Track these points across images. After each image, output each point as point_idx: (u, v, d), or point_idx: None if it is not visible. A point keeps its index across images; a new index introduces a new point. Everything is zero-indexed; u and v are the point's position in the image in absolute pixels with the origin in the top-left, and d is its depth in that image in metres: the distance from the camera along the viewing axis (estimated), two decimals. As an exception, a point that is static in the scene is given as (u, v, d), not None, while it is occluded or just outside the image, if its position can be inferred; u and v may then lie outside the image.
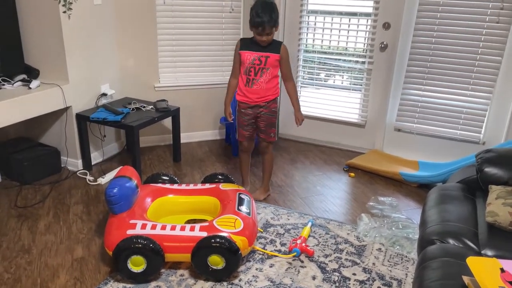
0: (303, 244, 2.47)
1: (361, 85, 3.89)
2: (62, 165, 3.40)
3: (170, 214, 2.68)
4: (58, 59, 3.12)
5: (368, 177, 3.47)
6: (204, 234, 2.22)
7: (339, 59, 3.93)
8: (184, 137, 3.93)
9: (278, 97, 2.89)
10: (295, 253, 2.42)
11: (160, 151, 3.88)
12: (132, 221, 2.29)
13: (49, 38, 3.09)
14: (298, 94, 4.10)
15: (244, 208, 2.45)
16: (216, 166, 3.59)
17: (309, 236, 2.61)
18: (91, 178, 3.26)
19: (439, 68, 3.50)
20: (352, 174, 3.50)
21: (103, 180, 3.21)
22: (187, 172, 3.46)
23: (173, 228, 2.26)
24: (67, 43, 3.08)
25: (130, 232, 2.22)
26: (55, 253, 2.41)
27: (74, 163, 3.39)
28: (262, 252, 2.46)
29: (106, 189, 2.31)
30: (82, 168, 3.39)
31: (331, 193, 3.19)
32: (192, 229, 2.25)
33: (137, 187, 2.52)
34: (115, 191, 2.31)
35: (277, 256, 2.43)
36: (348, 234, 2.66)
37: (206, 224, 2.29)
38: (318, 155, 3.88)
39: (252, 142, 2.99)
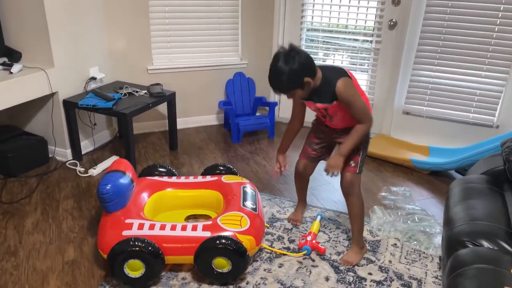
0: (314, 241, 2.29)
1: (368, 66, 3.66)
2: (50, 155, 3.17)
3: (168, 210, 2.49)
4: (41, 41, 2.85)
5: (376, 164, 3.29)
6: (208, 234, 2.02)
7: (344, 38, 3.69)
8: (181, 123, 3.70)
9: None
10: (305, 251, 2.25)
11: (155, 138, 3.65)
12: (128, 221, 2.08)
13: (30, 17, 2.81)
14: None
15: (249, 204, 2.25)
16: (216, 155, 3.38)
17: (319, 231, 2.43)
18: (82, 169, 3.03)
19: (452, 47, 3.28)
20: (360, 161, 3.30)
21: (95, 171, 2.99)
22: (184, 162, 3.25)
23: (173, 227, 2.06)
24: (50, 22, 2.80)
25: (126, 233, 2.02)
26: (44, 255, 2.21)
27: (62, 153, 3.15)
28: (270, 250, 2.28)
29: (98, 186, 2.10)
30: (71, 158, 3.16)
31: (339, 183, 2.99)
32: (194, 228, 2.05)
33: (132, 181, 2.30)
34: (108, 187, 2.09)
35: (286, 254, 2.25)
36: (360, 228, 2.49)
37: (209, 222, 2.09)
38: (323, 140, 3.68)
39: (312, 166, 2.37)
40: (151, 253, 1.95)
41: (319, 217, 2.53)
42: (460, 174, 3.12)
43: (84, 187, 2.85)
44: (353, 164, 2.11)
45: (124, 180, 2.21)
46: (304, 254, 2.25)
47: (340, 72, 1.99)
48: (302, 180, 2.49)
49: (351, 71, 2.07)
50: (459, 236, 1.73)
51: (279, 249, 2.29)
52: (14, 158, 2.92)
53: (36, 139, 3.07)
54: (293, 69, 1.84)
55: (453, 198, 2.03)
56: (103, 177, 2.17)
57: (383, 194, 2.78)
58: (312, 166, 2.40)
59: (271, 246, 2.31)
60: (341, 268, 2.17)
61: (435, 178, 3.09)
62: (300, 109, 2.23)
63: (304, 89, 1.92)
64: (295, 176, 2.48)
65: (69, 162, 3.12)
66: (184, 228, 2.06)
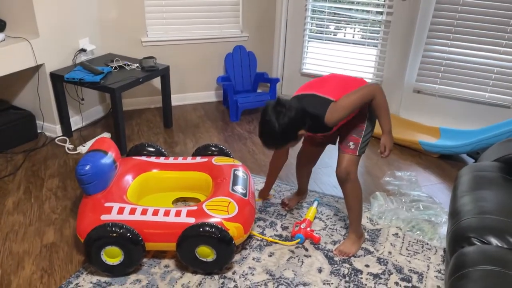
0: (308, 229, 2.13)
1: (377, 40, 3.41)
2: (39, 131, 3.04)
3: (155, 192, 2.34)
4: (24, 8, 2.67)
5: (382, 146, 3.08)
6: (192, 220, 1.87)
7: (353, 9, 3.43)
8: (177, 99, 3.53)
9: (367, 114, 1.95)
10: (298, 240, 2.09)
11: (149, 114, 3.48)
12: (107, 204, 1.94)
13: (13, -17, 2.63)
14: (305, 48, 3.66)
15: (239, 188, 2.09)
16: (211, 133, 3.21)
17: (314, 218, 2.27)
18: (71, 146, 2.90)
19: (469, 20, 3.01)
20: (365, 142, 3.10)
21: (84, 148, 2.85)
22: (179, 140, 3.09)
23: (155, 212, 1.91)
24: (34, -12, 2.62)
25: (104, 217, 1.88)
26: (22, 237, 2.09)
27: (52, 128, 3.02)
28: (260, 238, 2.13)
29: (77, 166, 1.96)
30: (61, 135, 3.02)
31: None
32: (177, 214, 1.91)
33: (115, 162, 2.16)
34: (86, 168, 1.95)
35: (277, 243, 2.10)
36: (359, 215, 2.31)
37: (194, 208, 1.94)
38: (326, 119, 3.47)
39: (317, 152, 2.24)
40: (130, 240, 1.82)
41: (316, 203, 2.36)
42: (472, 158, 2.91)
43: (71, 165, 2.72)
44: (352, 146, 1.93)
45: (105, 161, 2.07)
46: (297, 243, 2.09)
47: (321, 104, 1.82)
48: (304, 170, 2.32)
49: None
50: (465, 231, 1.55)
51: (270, 236, 2.14)
52: (0, 133, 2.79)
53: (23, 114, 2.93)
54: (285, 127, 1.73)
55: (461, 187, 1.84)
56: (82, 157, 2.02)
57: (386, 179, 2.60)
58: (317, 152, 2.23)
59: (262, 233, 2.16)
60: (336, 259, 2.01)
61: (445, 162, 2.89)
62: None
63: (298, 139, 1.85)
64: (297, 165, 2.31)
65: (58, 138, 2.99)
66: (167, 213, 1.91)
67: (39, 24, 2.70)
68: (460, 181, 1.89)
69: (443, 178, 2.72)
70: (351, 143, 1.93)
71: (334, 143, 2.11)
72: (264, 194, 2.38)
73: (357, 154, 1.93)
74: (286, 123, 1.73)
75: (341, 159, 1.95)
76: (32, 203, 2.34)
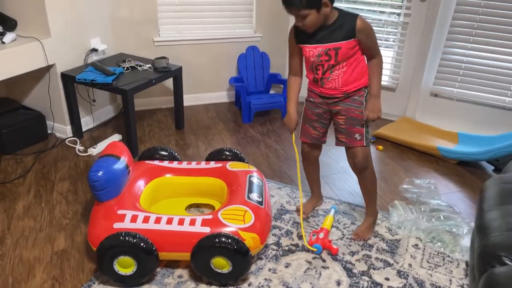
0: (326, 239, 2.07)
1: (394, 41, 3.32)
2: (49, 131, 2.99)
3: (168, 197, 2.29)
4: (36, 8, 2.61)
5: (399, 151, 3.01)
6: (207, 230, 1.82)
7: (369, 10, 3.34)
8: (189, 99, 3.47)
9: (366, 88, 1.94)
10: (315, 250, 2.03)
11: (161, 115, 3.43)
12: (120, 212, 1.89)
13: (24, -19, 2.58)
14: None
15: (255, 196, 2.03)
16: (224, 135, 3.15)
17: (332, 227, 2.21)
18: (81, 148, 2.85)
19: (490, 22, 2.92)
20: (380, 147, 3.03)
21: (95, 150, 2.80)
22: (190, 143, 3.03)
23: (169, 221, 1.85)
24: (45, -13, 2.57)
25: (117, 225, 1.83)
26: (32, 243, 2.05)
27: (62, 129, 2.97)
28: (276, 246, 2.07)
29: (89, 173, 1.90)
30: (71, 135, 2.98)
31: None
32: (192, 223, 1.85)
33: (128, 167, 2.10)
34: (99, 174, 1.89)
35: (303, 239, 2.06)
36: (377, 224, 2.24)
37: (209, 217, 1.88)
38: (341, 122, 3.40)
39: (318, 147, 2.16)
40: (144, 250, 1.76)
41: (332, 210, 2.30)
42: (492, 165, 2.82)
43: (82, 167, 2.67)
44: (358, 137, 1.95)
45: (118, 166, 2.01)
46: (315, 253, 2.03)
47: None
48: (311, 165, 2.23)
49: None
50: (495, 249, 1.48)
51: (286, 246, 2.08)
52: (10, 134, 2.75)
53: (33, 114, 2.89)
54: None
55: (488, 200, 1.77)
56: (94, 163, 1.97)
57: (405, 186, 2.53)
58: (318, 147, 2.17)
59: (278, 242, 2.10)
60: (355, 271, 1.95)
61: (464, 169, 2.81)
62: (298, 61, 1.97)
63: (320, 13, 1.72)
64: (303, 162, 2.24)
65: (68, 139, 2.94)
66: (181, 222, 1.86)
67: (51, 24, 2.65)
68: (486, 193, 1.82)
69: (462, 185, 2.64)
70: (357, 135, 1.95)
71: (325, 136, 2.10)
72: (294, 103, 2.04)
73: (364, 145, 1.96)
74: None
75: (355, 152, 1.98)
76: (42, 208, 2.30)
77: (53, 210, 2.28)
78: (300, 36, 1.87)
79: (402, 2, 3.19)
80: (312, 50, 1.85)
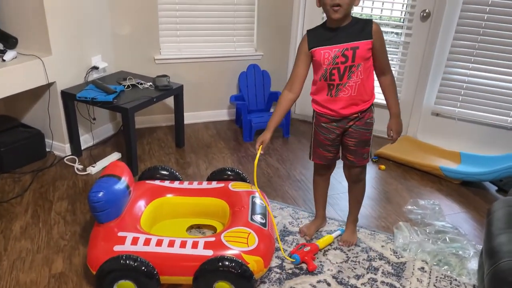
0: (310, 253, 2.06)
1: (396, 61, 3.33)
2: (47, 150, 2.95)
3: (169, 218, 2.24)
4: (37, 26, 2.60)
5: (401, 170, 2.99)
6: (210, 253, 1.77)
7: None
8: (189, 117, 3.45)
9: (373, 105, 1.97)
10: (293, 260, 2.03)
11: (161, 133, 3.40)
12: (121, 234, 1.84)
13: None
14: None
15: (258, 218, 1.99)
16: (225, 154, 3.11)
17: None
18: (80, 167, 2.81)
19: (491, 42, 2.94)
20: (383, 166, 3.01)
21: (94, 169, 2.76)
22: (191, 161, 2.99)
23: (171, 244, 1.81)
24: (48, 5, 2.55)
25: (117, 248, 1.78)
26: (29, 265, 1.99)
27: (61, 147, 2.93)
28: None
29: (89, 193, 1.86)
30: (70, 154, 2.93)
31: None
32: (194, 245, 1.80)
33: (128, 187, 2.06)
34: (100, 195, 1.85)
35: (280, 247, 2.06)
36: (382, 246, 2.21)
37: (212, 239, 1.84)
38: (342, 141, 3.38)
39: (334, 165, 2.16)
40: (145, 274, 1.72)
41: (338, 232, 2.26)
42: (495, 186, 2.80)
43: (81, 186, 2.63)
44: (365, 156, 2.04)
45: (119, 186, 1.97)
46: (292, 262, 2.03)
47: None
48: (324, 181, 2.23)
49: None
50: (507, 275, 1.45)
51: (290, 270, 2.03)
52: (8, 152, 2.71)
53: (32, 132, 2.85)
54: None
55: (496, 223, 1.73)
56: (95, 183, 1.93)
57: (409, 207, 2.49)
58: (331, 167, 2.18)
59: (281, 265, 2.06)
60: (361, 295, 1.90)
61: (467, 189, 2.78)
62: (302, 71, 1.91)
63: None
64: (316, 179, 2.22)
65: (67, 158, 2.90)
66: (183, 244, 1.81)
67: (52, 42, 2.64)
68: (494, 216, 1.79)
69: (466, 206, 2.61)
70: (365, 155, 2.03)
71: (338, 153, 2.09)
72: (272, 128, 1.97)
73: (368, 161, 2.07)
74: None
75: (357, 171, 2.08)
76: (40, 228, 2.25)
77: (50, 231, 2.23)
78: (314, 40, 1.84)
79: (403, 22, 3.21)
80: (328, 52, 1.81)
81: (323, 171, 2.18)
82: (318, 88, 1.92)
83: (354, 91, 1.85)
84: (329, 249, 2.16)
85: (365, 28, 1.79)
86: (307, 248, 2.08)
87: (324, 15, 1.85)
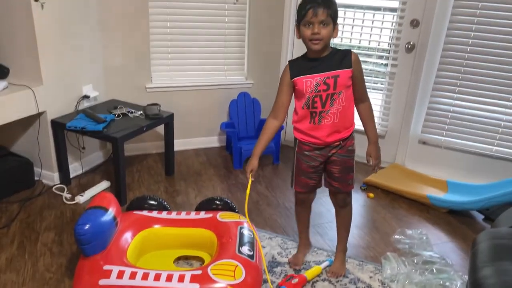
0: (298, 286, 2.05)
1: (382, 90, 3.40)
2: (36, 178, 2.94)
3: (157, 249, 2.23)
4: (29, 56, 2.64)
5: (390, 199, 3.01)
6: (196, 286, 1.76)
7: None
8: (180, 144, 3.47)
9: (354, 132, 2.04)
10: None
11: (151, 160, 3.41)
12: (106, 267, 1.83)
13: (19, 31, 2.61)
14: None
15: (246, 250, 1.99)
16: (214, 182, 3.12)
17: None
18: (68, 196, 2.80)
19: (475, 74, 3.02)
20: (371, 194, 3.03)
21: (82, 198, 2.75)
22: (180, 189, 3.00)
23: (157, 277, 1.80)
24: (40, 36, 2.59)
25: (103, 282, 1.77)
26: (13, 299, 1.97)
27: (49, 176, 2.93)
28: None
29: (76, 226, 1.86)
30: (59, 182, 2.93)
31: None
32: (180, 279, 1.79)
33: (115, 218, 2.06)
34: (86, 228, 1.85)
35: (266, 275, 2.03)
36: (371, 277, 2.21)
37: (198, 272, 1.83)
38: (331, 169, 3.41)
39: (315, 192, 2.20)
40: (130, 309, 1.70)
41: (326, 263, 2.25)
42: (482, 214, 2.83)
43: (68, 216, 2.61)
44: (350, 182, 2.09)
45: (105, 218, 1.97)
46: None
47: None
48: (307, 209, 2.26)
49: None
50: (491, 310, 1.45)
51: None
52: (-4, 181, 2.70)
53: (21, 161, 2.85)
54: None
55: (480, 256, 1.75)
56: (81, 215, 1.93)
57: (397, 237, 2.50)
58: (314, 194, 2.21)
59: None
60: (348, 329, 1.89)
61: (454, 218, 2.80)
62: (285, 99, 1.97)
63: (332, 31, 1.82)
64: (297, 208, 2.25)
65: (55, 186, 2.89)
66: (169, 278, 1.80)
67: (43, 72, 2.67)
68: (479, 248, 1.80)
69: (453, 236, 2.63)
70: (350, 181, 2.08)
71: (321, 181, 2.13)
72: (258, 154, 2.04)
73: (353, 187, 2.11)
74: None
75: (343, 196, 2.12)
76: (26, 260, 2.22)
77: (36, 263, 2.20)
78: (296, 70, 1.90)
79: (389, 53, 3.29)
80: (310, 80, 1.87)
81: (305, 200, 2.20)
82: (301, 116, 1.97)
83: (337, 118, 1.91)
84: (317, 280, 2.16)
85: (344, 58, 1.87)
86: (295, 280, 2.08)
87: (329, 43, 1.90)
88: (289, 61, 1.96)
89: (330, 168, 2.03)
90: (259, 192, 3.02)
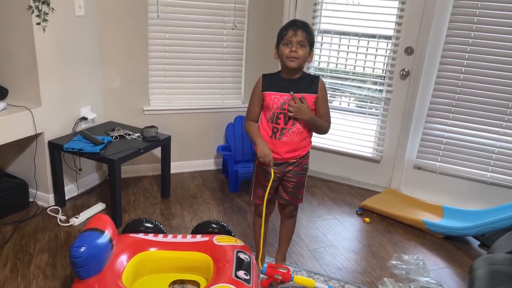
0: (277, 279, 2.09)
1: (377, 116, 3.45)
2: (31, 199, 2.92)
3: (151, 273, 2.21)
4: (29, 78, 2.66)
5: (386, 224, 3.01)
6: (192, 311, 1.74)
7: (353, 86, 3.50)
8: (176, 167, 3.47)
9: (309, 152, 2.17)
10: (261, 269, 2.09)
11: (147, 183, 3.40)
12: (101, 291, 1.81)
13: (20, 52, 2.64)
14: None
15: (242, 274, 1.97)
16: (210, 205, 3.11)
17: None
18: (63, 218, 2.77)
19: (468, 101, 3.07)
20: (367, 219, 3.03)
21: (77, 220, 2.72)
22: (176, 212, 2.98)
23: (152, 302, 1.78)
24: (40, 59, 2.62)
25: (97, 306, 1.74)
26: (4, 324, 1.92)
27: (44, 197, 2.90)
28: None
29: (71, 248, 1.84)
30: (53, 204, 2.90)
31: (344, 245, 2.72)
32: (176, 304, 1.77)
33: (111, 241, 2.04)
34: (81, 250, 1.84)
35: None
36: (367, 303, 2.19)
37: (194, 297, 1.81)
38: (327, 193, 3.41)
39: (273, 205, 2.35)
40: (124, 334, 1.67)
41: (326, 287, 2.23)
42: (478, 240, 2.84)
43: (63, 238, 2.58)
44: (300, 197, 2.22)
45: (101, 241, 1.95)
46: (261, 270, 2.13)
47: None
48: (267, 221, 2.32)
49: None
50: (489, 338, 1.45)
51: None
52: (-10, 202, 2.67)
53: (16, 182, 2.83)
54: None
55: (478, 282, 1.75)
56: (77, 237, 1.91)
57: (393, 262, 2.49)
58: (272, 206, 2.34)
59: (265, 323, 2.02)
60: None
61: (450, 244, 2.81)
62: (258, 109, 2.11)
63: (309, 55, 2.00)
64: (257, 222, 2.29)
65: (50, 208, 2.87)
66: (165, 302, 1.78)
67: (43, 93, 2.69)
68: (476, 275, 1.81)
69: (449, 261, 2.63)
70: (299, 195, 2.21)
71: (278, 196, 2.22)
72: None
73: (302, 201, 2.25)
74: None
75: (291, 208, 2.25)
76: (18, 283, 2.18)
77: (29, 286, 2.16)
78: (267, 85, 2.05)
79: (383, 80, 3.36)
80: (278, 97, 2.01)
81: (266, 212, 2.21)
82: (263, 129, 2.09)
83: (296, 136, 2.05)
84: (313, 306, 2.14)
85: (313, 84, 2.03)
86: (282, 269, 2.16)
87: (303, 66, 2.05)
88: (263, 75, 2.10)
89: (285, 183, 2.16)
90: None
